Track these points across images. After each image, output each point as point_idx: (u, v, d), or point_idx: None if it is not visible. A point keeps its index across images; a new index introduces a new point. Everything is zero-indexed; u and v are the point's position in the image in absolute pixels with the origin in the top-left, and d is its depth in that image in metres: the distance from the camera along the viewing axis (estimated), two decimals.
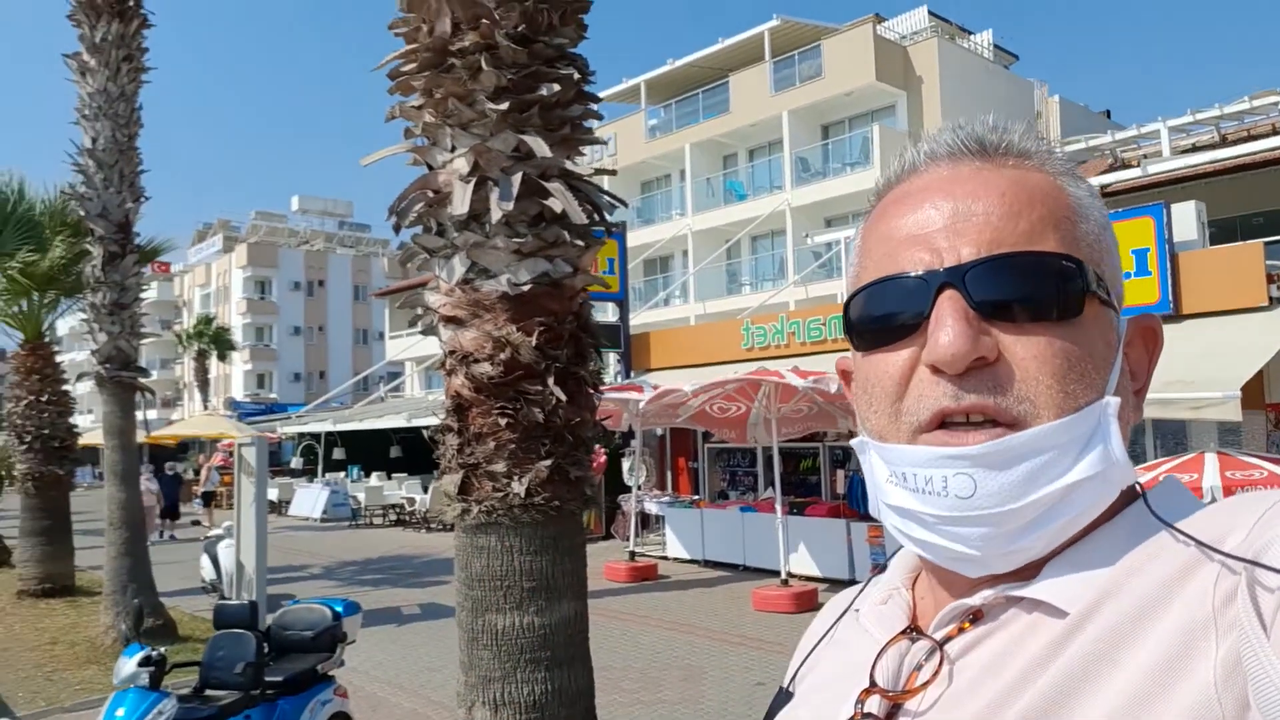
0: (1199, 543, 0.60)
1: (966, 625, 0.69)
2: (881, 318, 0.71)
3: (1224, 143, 20.98)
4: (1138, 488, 0.71)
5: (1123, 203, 15.68)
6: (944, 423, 0.67)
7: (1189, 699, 0.55)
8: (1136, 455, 12.55)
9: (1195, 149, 21.34)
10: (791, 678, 0.86)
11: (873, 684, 0.71)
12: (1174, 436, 12.39)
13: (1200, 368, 9.24)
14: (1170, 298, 11.14)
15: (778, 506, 11.47)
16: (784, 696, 0.85)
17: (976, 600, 0.69)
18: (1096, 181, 19.60)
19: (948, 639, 0.69)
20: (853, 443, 0.75)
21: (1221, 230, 15.85)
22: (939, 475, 0.65)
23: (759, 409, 13.29)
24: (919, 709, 0.68)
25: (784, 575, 11.11)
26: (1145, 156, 22.10)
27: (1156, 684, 0.56)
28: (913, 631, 0.74)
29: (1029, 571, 0.67)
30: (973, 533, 0.66)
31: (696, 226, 28.22)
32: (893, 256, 0.71)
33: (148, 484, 19.09)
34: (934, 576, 0.75)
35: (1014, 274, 0.66)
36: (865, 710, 0.70)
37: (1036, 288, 0.65)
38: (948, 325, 0.65)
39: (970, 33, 29.53)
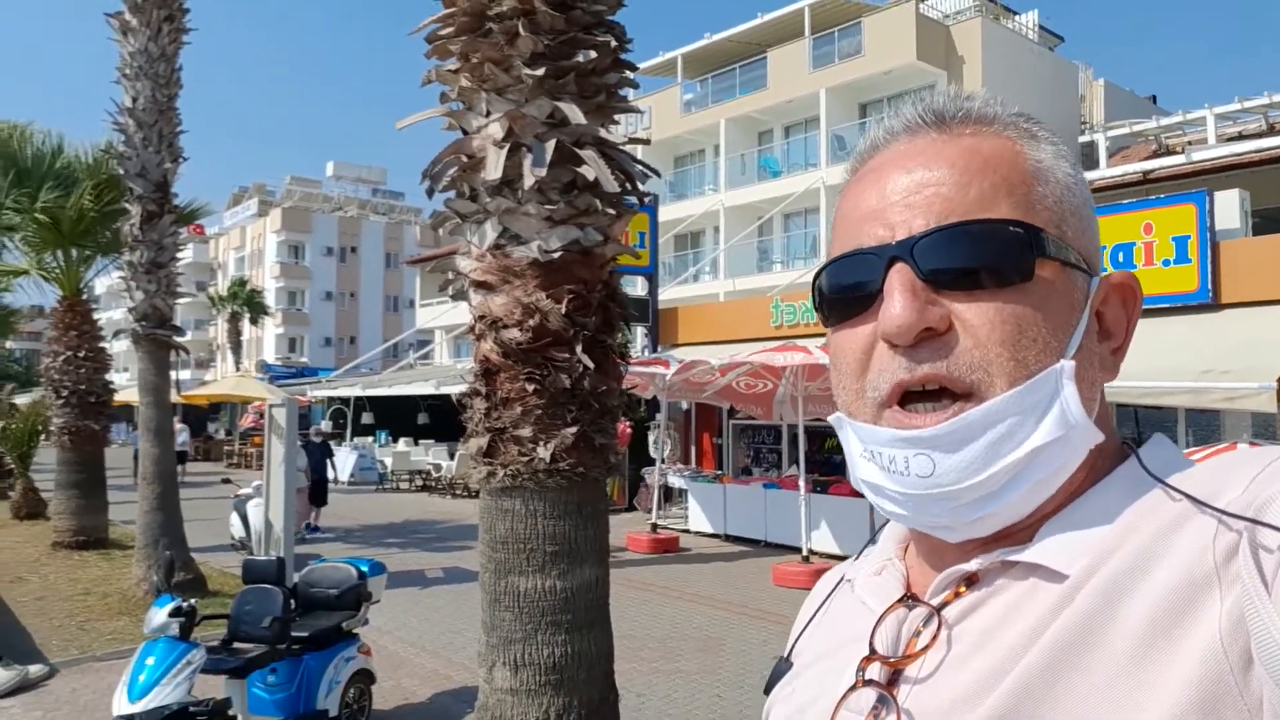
0: (1194, 499, 0.60)
1: (962, 590, 0.70)
2: (842, 292, 0.73)
3: (1271, 131, 20.53)
4: (1128, 446, 0.72)
5: (1165, 189, 15.39)
6: (905, 398, 0.68)
7: (1196, 651, 0.55)
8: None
9: (1241, 137, 20.92)
10: (791, 649, 0.87)
11: (873, 651, 0.72)
12: (1208, 427, 12.22)
13: (1237, 357, 9.09)
14: (1210, 286, 10.94)
15: (801, 483, 11.46)
16: (784, 666, 0.86)
17: (972, 565, 0.69)
18: (1139, 167, 19.27)
19: (945, 604, 0.70)
20: (830, 418, 0.76)
21: (1265, 220, 15.49)
22: (900, 456, 0.67)
23: (786, 386, 13.26)
24: (919, 674, 0.68)
25: (805, 552, 11.13)
26: (1190, 143, 21.68)
27: (1161, 636, 0.57)
28: (909, 599, 0.74)
29: (1024, 535, 0.68)
30: (938, 507, 0.68)
31: (729, 202, 28.06)
32: (853, 233, 0.73)
33: None
34: (925, 544, 0.76)
35: (961, 243, 0.67)
36: (867, 677, 0.71)
37: (983, 255, 0.66)
38: (895, 298, 0.67)
39: (1015, 13, 28.95)
